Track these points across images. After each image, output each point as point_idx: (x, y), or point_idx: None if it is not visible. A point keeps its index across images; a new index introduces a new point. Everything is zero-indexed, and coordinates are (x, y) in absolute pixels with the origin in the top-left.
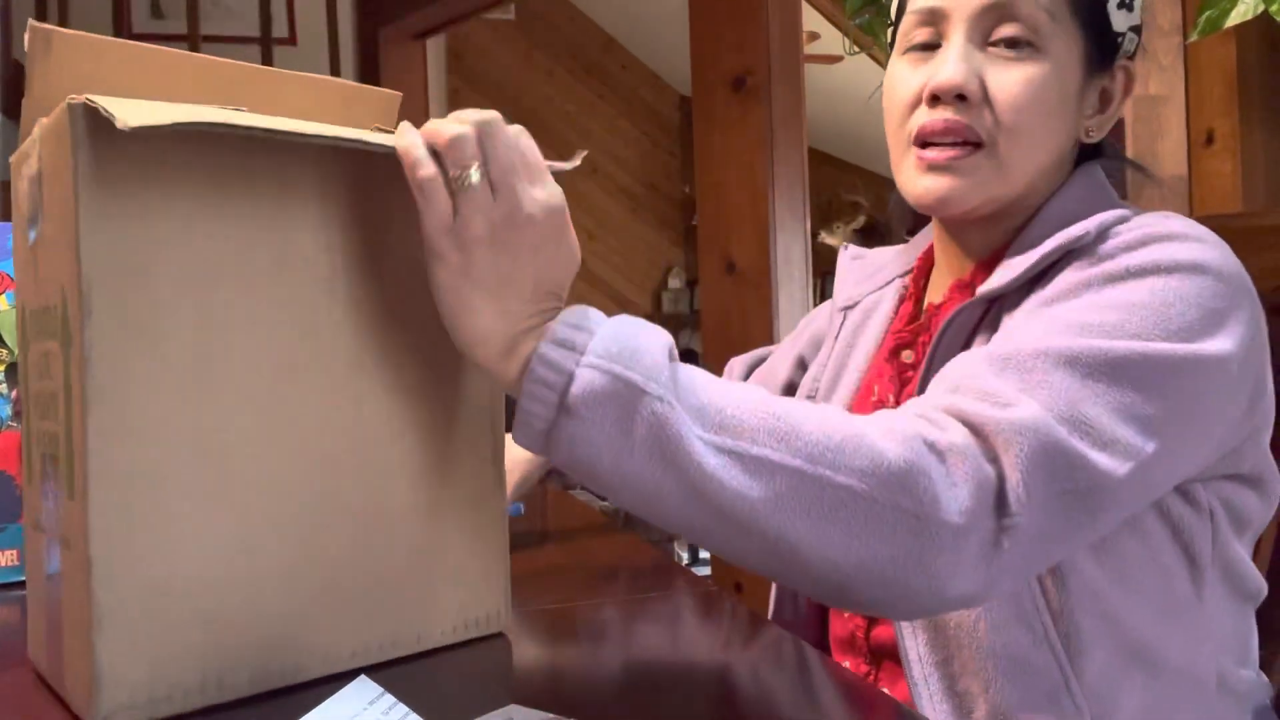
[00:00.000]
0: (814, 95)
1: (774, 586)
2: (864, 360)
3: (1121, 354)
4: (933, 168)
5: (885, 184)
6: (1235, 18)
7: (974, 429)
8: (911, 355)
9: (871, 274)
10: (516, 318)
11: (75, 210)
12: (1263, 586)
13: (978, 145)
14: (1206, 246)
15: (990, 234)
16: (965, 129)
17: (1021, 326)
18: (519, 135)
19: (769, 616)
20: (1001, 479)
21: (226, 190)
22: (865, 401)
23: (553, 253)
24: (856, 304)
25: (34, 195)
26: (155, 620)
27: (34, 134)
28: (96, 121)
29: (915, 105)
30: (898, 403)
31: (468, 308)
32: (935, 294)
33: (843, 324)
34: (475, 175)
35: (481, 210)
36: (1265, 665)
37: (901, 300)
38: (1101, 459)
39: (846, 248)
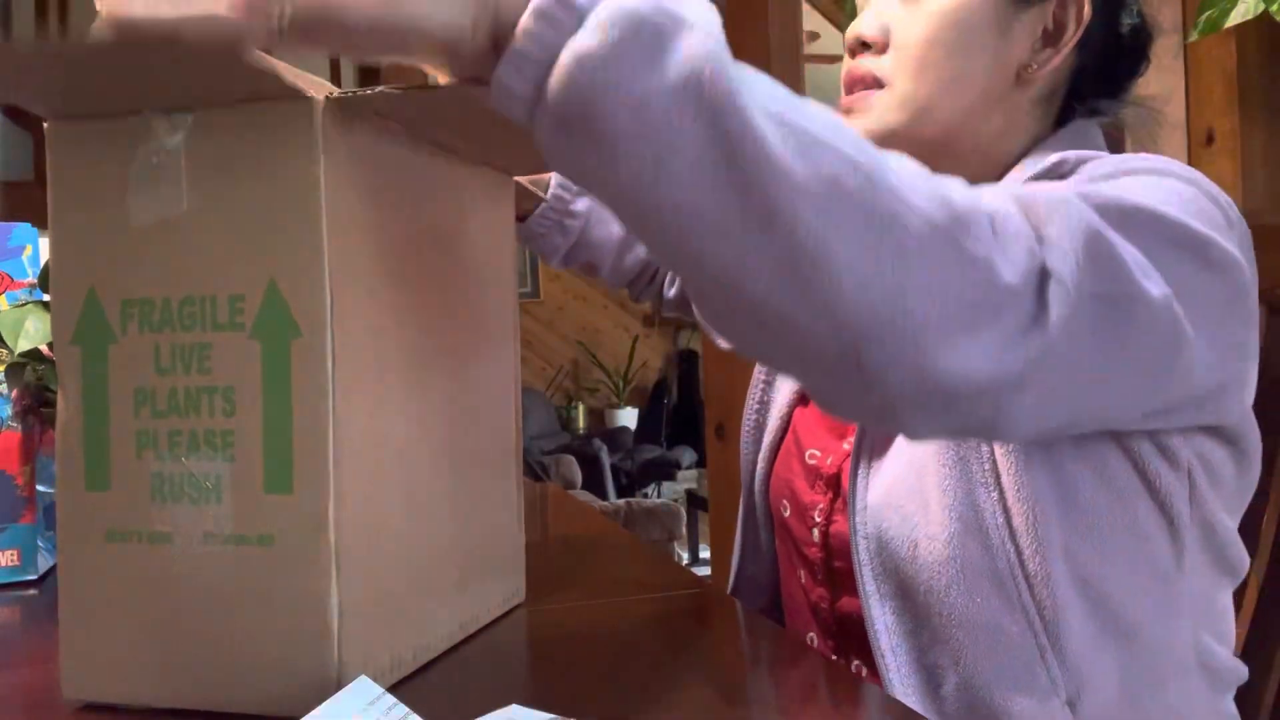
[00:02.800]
0: (814, 95)
1: (735, 560)
2: None
3: (1132, 204)
4: (844, 114)
5: None
6: (1235, 18)
7: (1018, 203)
8: None
9: None
10: None
11: (318, 206)
12: (1245, 560)
13: (880, 87)
14: (1202, 182)
15: None
16: (867, 75)
17: None
18: None
19: (729, 590)
20: (1045, 258)
21: (415, 182)
22: None
23: None
24: None
25: (169, 176)
26: (385, 602)
27: (161, 122)
28: (339, 115)
29: None
30: None
31: None
32: None
33: None
34: None
35: None
36: (1264, 665)
37: None
38: (1136, 272)
39: None
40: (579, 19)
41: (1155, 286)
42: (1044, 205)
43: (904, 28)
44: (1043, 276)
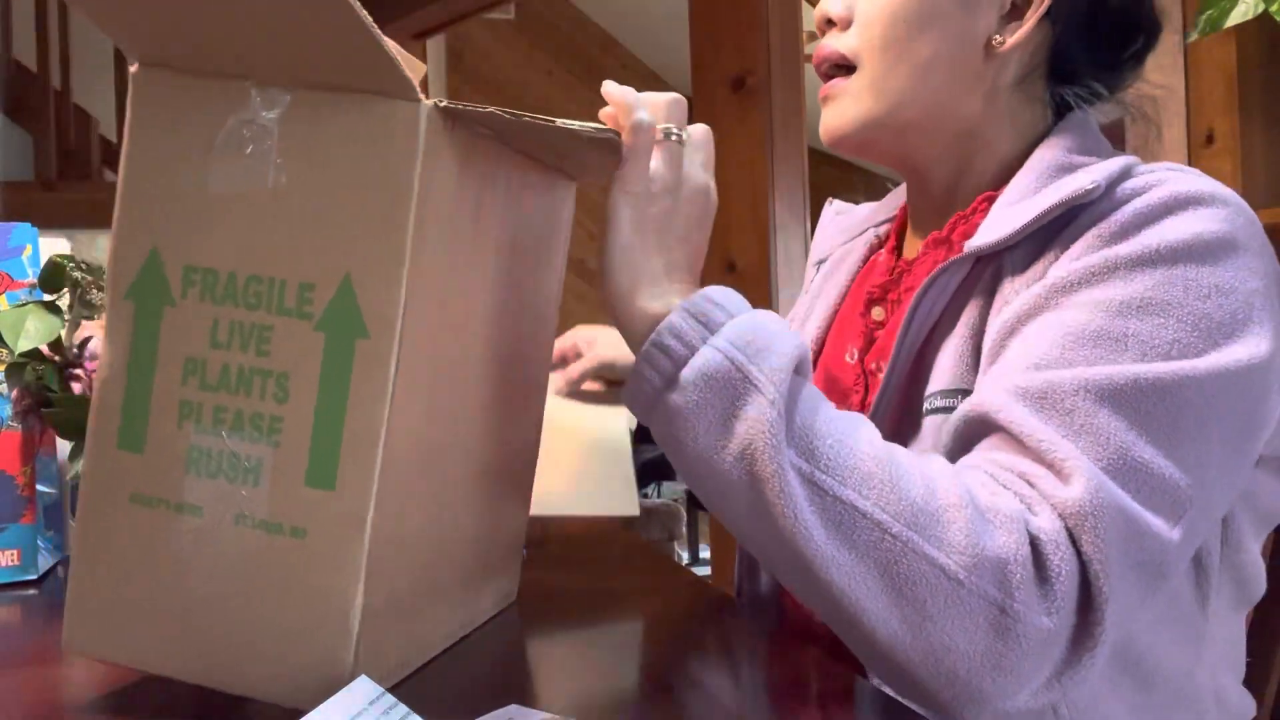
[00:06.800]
0: (814, 95)
1: (736, 561)
2: (827, 311)
3: (1164, 379)
4: (822, 101)
5: (885, 184)
6: (1235, 18)
7: (1059, 511)
8: (881, 313)
9: (848, 227)
10: (671, 277)
11: (407, 210)
12: (1264, 586)
13: (852, 70)
14: (1232, 211)
15: (944, 178)
16: (835, 54)
17: (1042, 329)
18: (707, 128)
19: (734, 593)
20: (1085, 570)
21: (497, 191)
22: (832, 356)
23: (706, 233)
24: (828, 258)
25: (258, 150)
26: (400, 604)
27: (259, 94)
28: (443, 123)
29: None
30: (862, 361)
31: (641, 251)
32: (909, 250)
33: (814, 279)
34: (682, 133)
35: (677, 164)
36: (1255, 682)
37: (872, 250)
38: (1158, 522)
39: (832, 202)
40: (678, 366)
41: (1175, 519)
42: (1073, 516)
43: (867, 3)
44: (1085, 593)
